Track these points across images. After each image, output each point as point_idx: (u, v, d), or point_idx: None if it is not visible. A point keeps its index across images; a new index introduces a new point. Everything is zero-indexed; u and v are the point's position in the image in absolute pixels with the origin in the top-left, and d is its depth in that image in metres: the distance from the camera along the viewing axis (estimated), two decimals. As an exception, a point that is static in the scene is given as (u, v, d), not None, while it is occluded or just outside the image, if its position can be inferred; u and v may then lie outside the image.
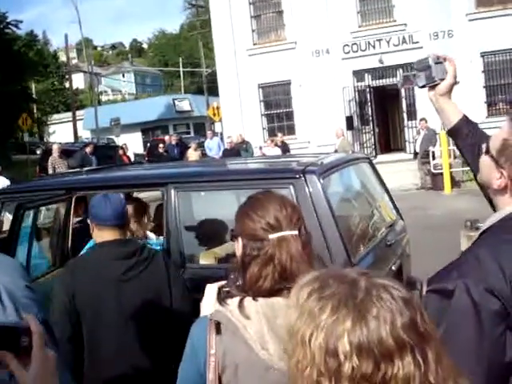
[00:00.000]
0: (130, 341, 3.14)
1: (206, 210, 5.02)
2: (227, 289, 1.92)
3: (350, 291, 1.09)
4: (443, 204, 14.26)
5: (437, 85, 2.11)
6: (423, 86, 2.14)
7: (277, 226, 1.86)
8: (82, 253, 3.81)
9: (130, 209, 3.92)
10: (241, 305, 1.81)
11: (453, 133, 2.14)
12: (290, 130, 22.59)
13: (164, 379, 3.07)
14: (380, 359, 1.04)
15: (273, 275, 1.82)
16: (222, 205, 4.64)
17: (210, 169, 5.23)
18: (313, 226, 3.63)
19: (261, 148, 19.72)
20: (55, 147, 17.45)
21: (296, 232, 1.86)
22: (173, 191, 4.26)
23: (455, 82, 2.13)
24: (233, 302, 1.83)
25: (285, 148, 19.26)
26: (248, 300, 1.82)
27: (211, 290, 2.02)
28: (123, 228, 3.31)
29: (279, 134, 20.43)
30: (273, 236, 1.85)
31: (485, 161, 1.82)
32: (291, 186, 3.93)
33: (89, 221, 3.35)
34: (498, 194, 1.81)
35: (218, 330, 1.81)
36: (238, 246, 1.95)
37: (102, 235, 3.26)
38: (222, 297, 1.89)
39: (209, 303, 1.99)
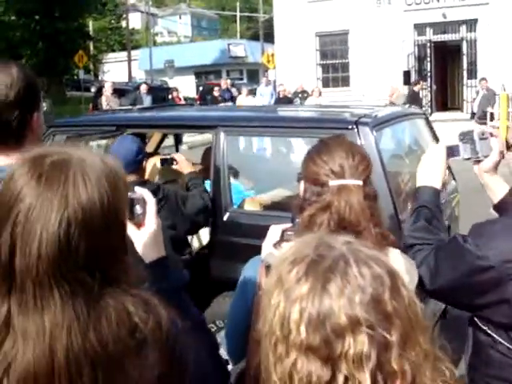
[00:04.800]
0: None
1: (256, 156, 4.97)
2: (291, 232, 1.86)
3: (318, 258, 1.05)
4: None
5: (481, 160, 2.09)
6: (468, 159, 2.14)
7: (340, 173, 1.79)
8: None
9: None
10: None
11: (498, 208, 2.11)
12: (345, 82, 22.19)
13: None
14: (330, 334, 1.00)
15: (328, 223, 1.76)
16: (272, 151, 4.59)
17: (261, 114, 5.15)
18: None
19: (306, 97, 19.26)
20: (108, 85, 17.63)
21: (360, 182, 1.78)
22: (222, 134, 4.21)
23: (500, 159, 2.11)
24: (287, 247, 1.78)
25: None
26: None
27: (275, 231, 1.96)
28: (136, 173, 3.66)
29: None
30: (333, 183, 1.78)
31: None
32: (343, 137, 3.83)
33: None
34: None
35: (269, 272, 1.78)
36: (300, 190, 1.91)
37: None
38: (278, 240, 1.85)
39: (270, 244, 1.94)
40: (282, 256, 1.12)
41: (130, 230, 1.45)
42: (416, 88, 18.16)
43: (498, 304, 1.68)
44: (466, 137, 2.10)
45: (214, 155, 4.26)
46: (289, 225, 1.93)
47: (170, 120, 4.83)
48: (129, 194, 1.45)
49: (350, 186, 1.78)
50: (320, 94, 18.60)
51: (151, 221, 1.48)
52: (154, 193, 3.48)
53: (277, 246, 1.81)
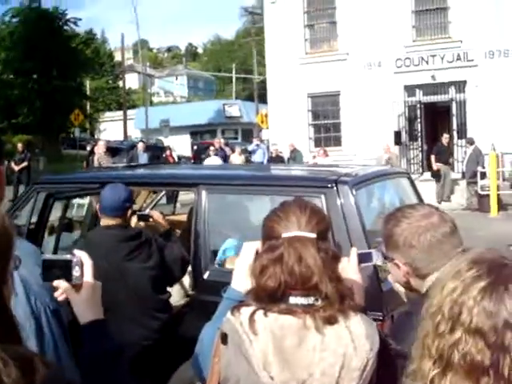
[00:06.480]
0: (133, 312, 3.76)
1: (237, 214, 4.96)
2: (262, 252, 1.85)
3: (499, 264, 1.21)
4: (488, 226, 13.88)
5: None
6: (380, 266, 2.61)
7: (292, 226, 1.79)
8: None
9: None
10: (252, 318, 1.73)
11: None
12: (337, 142, 22.40)
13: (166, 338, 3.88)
14: (502, 325, 1.13)
15: (278, 276, 1.73)
16: (253, 210, 4.59)
17: (243, 173, 5.18)
18: (342, 238, 3.54)
19: (314, 157, 19.41)
20: (101, 144, 17.74)
21: (313, 235, 1.77)
22: (204, 192, 4.23)
23: None
24: (245, 313, 1.75)
25: None
26: (259, 314, 1.74)
27: (249, 249, 1.96)
28: (121, 218, 3.85)
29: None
30: (286, 235, 1.78)
31: (390, 267, 2.12)
32: (323, 196, 3.84)
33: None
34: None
35: (225, 340, 1.75)
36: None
37: (104, 222, 3.90)
38: (236, 306, 1.82)
39: (244, 263, 1.95)
40: (462, 257, 1.30)
41: (67, 291, 1.50)
42: (444, 141, 18.40)
43: None
44: (379, 245, 2.22)
45: (195, 213, 4.26)
46: (259, 243, 1.91)
47: (153, 178, 4.86)
48: (67, 256, 1.52)
49: (302, 238, 1.77)
50: (327, 154, 18.60)
51: (88, 283, 1.51)
52: (136, 236, 3.82)
53: (235, 313, 1.78)
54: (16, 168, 20.61)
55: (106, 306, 3.45)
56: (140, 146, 20.11)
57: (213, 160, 17.08)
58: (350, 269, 2.11)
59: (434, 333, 1.21)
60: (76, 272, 1.50)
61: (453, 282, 1.22)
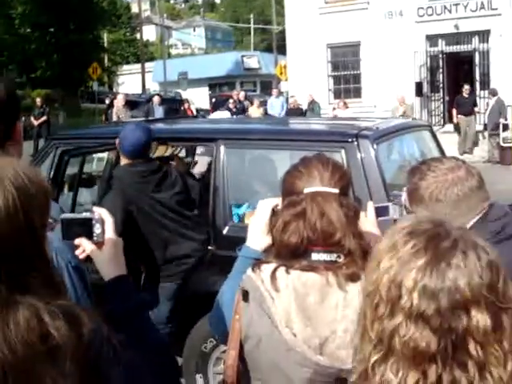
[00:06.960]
0: (175, 228, 4.06)
1: (256, 169, 4.93)
2: (279, 208, 1.82)
3: (437, 236, 1.10)
4: (509, 179, 13.71)
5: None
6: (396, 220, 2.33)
7: (314, 181, 1.75)
8: None
9: None
10: (273, 275, 1.70)
11: None
12: (357, 93, 22.12)
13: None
14: (447, 306, 1.04)
15: (301, 231, 1.71)
16: (272, 164, 4.56)
17: (262, 127, 5.12)
18: (362, 193, 3.51)
19: (334, 109, 19.18)
20: (119, 97, 17.75)
21: (335, 190, 1.74)
22: (222, 147, 4.19)
23: None
24: (266, 270, 1.73)
25: None
26: (281, 271, 1.71)
27: (264, 207, 1.89)
28: (142, 157, 3.98)
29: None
30: (308, 190, 1.74)
31: None
32: (343, 150, 3.80)
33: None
34: None
35: (246, 298, 1.73)
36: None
37: (124, 161, 4.03)
38: (256, 263, 1.79)
39: (259, 220, 1.89)
40: (398, 226, 1.17)
41: (90, 248, 1.49)
42: (465, 92, 17.96)
43: None
44: (396, 199, 2.16)
45: (214, 168, 4.24)
46: (277, 199, 1.86)
47: (171, 133, 4.82)
48: (87, 214, 1.51)
49: (324, 193, 1.74)
50: (347, 106, 18.37)
51: (110, 240, 1.50)
52: (158, 169, 4.00)
53: (255, 269, 1.75)
54: (35, 122, 20.66)
55: (146, 231, 3.92)
56: (155, 99, 19.94)
57: (221, 114, 16.94)
58: (367, 223, 2.05)
59: (373, 315, 1.11)
60: (97, 229, 1.49)
61: (388, 259, 1.11)
